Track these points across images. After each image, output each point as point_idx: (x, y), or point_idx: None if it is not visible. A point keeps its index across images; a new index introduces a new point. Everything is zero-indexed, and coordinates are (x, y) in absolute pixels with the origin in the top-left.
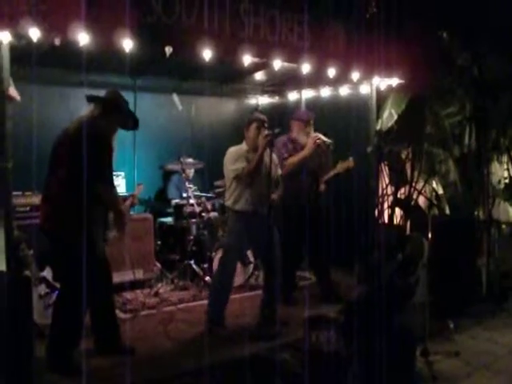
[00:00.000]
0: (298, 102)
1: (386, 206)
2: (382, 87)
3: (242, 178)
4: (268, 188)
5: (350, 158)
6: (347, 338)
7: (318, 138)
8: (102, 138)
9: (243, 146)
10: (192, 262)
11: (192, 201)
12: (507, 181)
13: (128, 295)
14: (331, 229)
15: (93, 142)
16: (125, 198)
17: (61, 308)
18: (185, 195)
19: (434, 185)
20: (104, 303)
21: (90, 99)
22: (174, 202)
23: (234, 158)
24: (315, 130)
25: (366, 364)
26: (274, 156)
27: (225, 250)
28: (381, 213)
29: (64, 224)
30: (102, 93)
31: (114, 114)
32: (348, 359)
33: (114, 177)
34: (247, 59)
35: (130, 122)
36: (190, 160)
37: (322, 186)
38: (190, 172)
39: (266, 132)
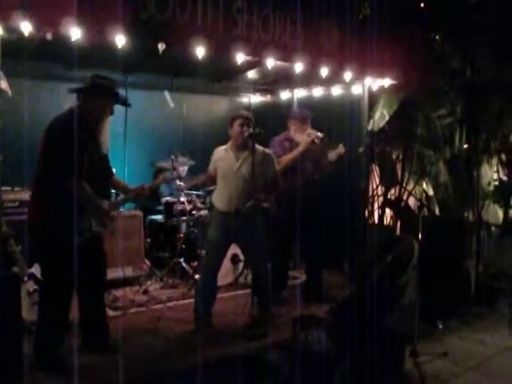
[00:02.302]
0: (290, 102)
1: (376, 206)
2: (374, 88)
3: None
4: (253, 187)
5: (340, 145)
6: (336, 338)
7: (314, 135)
8: (67, 133)
9: (225, 146)
10: (182, 260)
11: (182, 199)
12: (497, 183)
13: (117, 293)
14: (322, 228)
15: (58, 137)
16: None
17: (45, 304)
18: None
19: (425, 186)
20: (93, 300)
21: (71, 91)
22: (164, 199)
23: (213, 158)
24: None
25: (355, 364)
26: (272, 155)
27: (205, 247)
28: (371, 213)
29: (43, 219)
30: None
31: (97, 99)
32: (337, 359)
33: None
34: (240, 57)
35: (118, 100)
36: (182, 158)
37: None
38: (182, 170)
39: (251, 130)
